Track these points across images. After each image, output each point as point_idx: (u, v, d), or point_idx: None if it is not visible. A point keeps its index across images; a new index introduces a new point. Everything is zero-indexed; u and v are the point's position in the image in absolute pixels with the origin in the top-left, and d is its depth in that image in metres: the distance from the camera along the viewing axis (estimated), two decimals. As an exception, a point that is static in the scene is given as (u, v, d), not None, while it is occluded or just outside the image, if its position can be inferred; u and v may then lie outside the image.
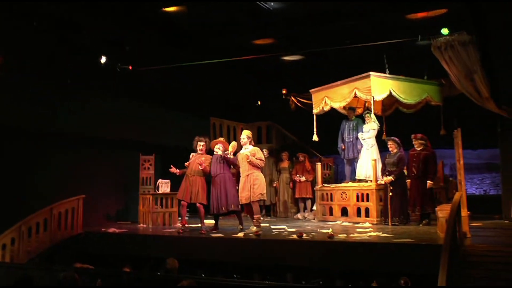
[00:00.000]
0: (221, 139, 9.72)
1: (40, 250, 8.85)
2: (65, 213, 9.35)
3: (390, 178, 9.17)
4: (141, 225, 10.71)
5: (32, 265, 7.76)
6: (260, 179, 9.19)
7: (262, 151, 9.61)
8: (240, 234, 8.44)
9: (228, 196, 8.95)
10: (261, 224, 9.26)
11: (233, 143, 9.58)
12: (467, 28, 8.85)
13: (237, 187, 9.41)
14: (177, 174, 9.31)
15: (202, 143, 9.27)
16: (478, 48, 8.70)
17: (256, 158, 9.12)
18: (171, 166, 9.28)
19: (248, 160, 9.12)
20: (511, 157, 9.73)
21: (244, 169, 9.25)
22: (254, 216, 9.07)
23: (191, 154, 9.41)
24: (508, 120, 9.43)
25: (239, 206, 9.21)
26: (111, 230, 9.70)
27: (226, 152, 9.12)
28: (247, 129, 13.62)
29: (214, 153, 9.25)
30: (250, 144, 9.37)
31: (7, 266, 6.91)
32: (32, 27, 9.17)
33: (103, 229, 9.91)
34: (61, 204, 9.32)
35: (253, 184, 9.08)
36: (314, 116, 10.66)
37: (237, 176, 10.02)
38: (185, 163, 9.32)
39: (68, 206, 9.44)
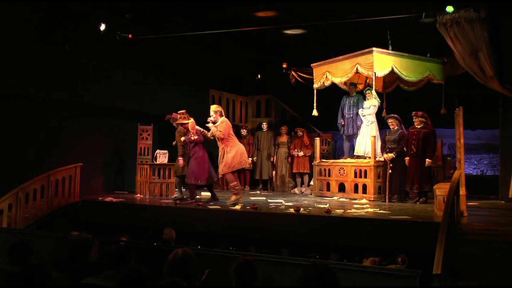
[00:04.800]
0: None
1: (38, 217, 8.85)
2: (62, 180, 9.34)
3: (391, 155, 9.16)
4: (138, 195, 10.72)
5: (30, 231, 7.76)
6: (229, 153, 8.83)
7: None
8: (238, 207, 8.47)
9: (203, 170, 9.02)
10: (258, 198, 9.26)
11: (192, 122, 9.13)
12: (474, 5, 8.72)
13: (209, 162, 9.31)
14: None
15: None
16: (487, 25, 8.57)
17: (218, 131, 8.81)
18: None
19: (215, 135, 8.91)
20: (511, 138, 9.72)
21: (219, 143, 9.02)
22: (230, 184, 8.99)
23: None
24: (510, 101, 9.38)
25: (212, 179, 9.26)
26: (108, 199, 9.73)
27: (189, 135, 9.03)
28: (247, 102, 13.61)
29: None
30: (219, 116, 8.96)
31: (4, 231, 6.90)
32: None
33: (100, 198, 9.94)
34: (58, 171, 9.29)
35: (223, 158, 8.87)
36: (315, 91, 10.58)
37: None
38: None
39: (65, 173, 9.43)
